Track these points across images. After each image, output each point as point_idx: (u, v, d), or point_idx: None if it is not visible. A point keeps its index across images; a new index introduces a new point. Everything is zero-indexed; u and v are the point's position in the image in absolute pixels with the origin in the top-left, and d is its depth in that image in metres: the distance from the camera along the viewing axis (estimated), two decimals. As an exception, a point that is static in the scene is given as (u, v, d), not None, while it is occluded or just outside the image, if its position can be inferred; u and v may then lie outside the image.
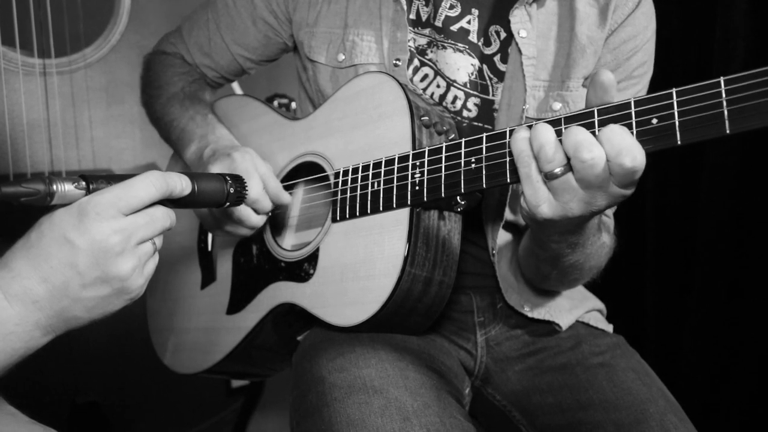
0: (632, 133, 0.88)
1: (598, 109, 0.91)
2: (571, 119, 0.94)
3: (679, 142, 0.85)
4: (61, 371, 2.08)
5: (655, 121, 0.87)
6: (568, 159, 0.90)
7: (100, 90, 2.22)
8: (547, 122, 0.94)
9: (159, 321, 1.57)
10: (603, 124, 0.90)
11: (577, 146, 0.87)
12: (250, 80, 2.18)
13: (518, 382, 1.33)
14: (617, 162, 0.86)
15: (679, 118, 0.85)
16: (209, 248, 1.47)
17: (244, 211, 1.25)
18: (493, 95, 1.30)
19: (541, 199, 0.94)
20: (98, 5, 2.21)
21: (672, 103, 0.85)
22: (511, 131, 1.01)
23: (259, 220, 1.27)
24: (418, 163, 1.11)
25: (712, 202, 1.96)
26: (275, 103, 2.28)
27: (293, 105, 2.28)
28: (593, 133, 0.89)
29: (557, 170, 0.91)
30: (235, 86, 2.23)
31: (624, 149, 0.86)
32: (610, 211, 1.36)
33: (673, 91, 0.86)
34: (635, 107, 0.88)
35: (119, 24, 2.22)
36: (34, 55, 2.11)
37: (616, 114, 0.90)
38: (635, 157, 0.86)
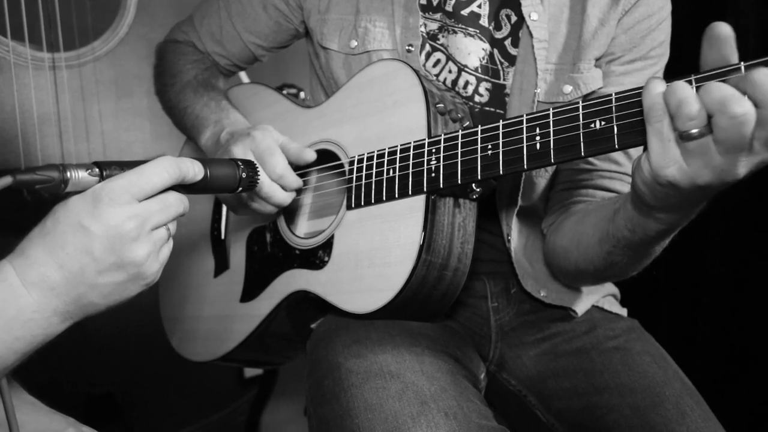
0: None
1: (616, 97, 0.91)
2: (586, 107, 0.93)
3: None
4: (76, 363, 2.09)
5: None
6: (709, 119, 0.82)
7: (109, 83, 2.22)
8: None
9: (172, 309, 1.58)
10: (620, 110, 0.89)
11: (725, 101, 0.78)
12: (257, 70, 2.18)
13: (533, 367, 1.33)
14: (724, 113, 0.78)
15: None
16: (222, 236, 1.48)
17: (270, 187, 1.23)
18: (504, 80, 1.29)
19: (670, 161, 0.86)
20: (106, -2, 2.21)
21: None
22: (529, 117, 1.00)
23: (285, 197, 1.25)
24: (434, 150, 1.11)
25: (727, 191, 1.95)
26: (284, 92, 2.27)
27: (302, 95, 2.27)
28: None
29: (695, 131, 0.82)
30: (243, 76, 2.22)
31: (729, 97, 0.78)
32: None
33: (742, 65, 0.82)
34: (696, 83, 0.84)
35: (127, 16, 2.21)
36: (43, 50, 2.11)
37: (636, 99, 0.89)
38: (742, 104, 0.78)
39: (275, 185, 1.24)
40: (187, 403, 2.24)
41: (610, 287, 1.46)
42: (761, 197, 1.91)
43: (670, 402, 1.17)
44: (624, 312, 1.42)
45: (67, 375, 2.08)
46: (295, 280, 1.28)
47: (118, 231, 0.85)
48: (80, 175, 0.88)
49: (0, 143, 2.10)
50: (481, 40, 1.30)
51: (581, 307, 1.36)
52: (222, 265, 1.46)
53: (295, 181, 1.25)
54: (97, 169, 0.89)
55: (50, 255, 0.84)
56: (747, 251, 1.95)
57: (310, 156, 1.28)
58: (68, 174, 0.87)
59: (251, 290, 1.37)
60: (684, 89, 0.82)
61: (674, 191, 0.90)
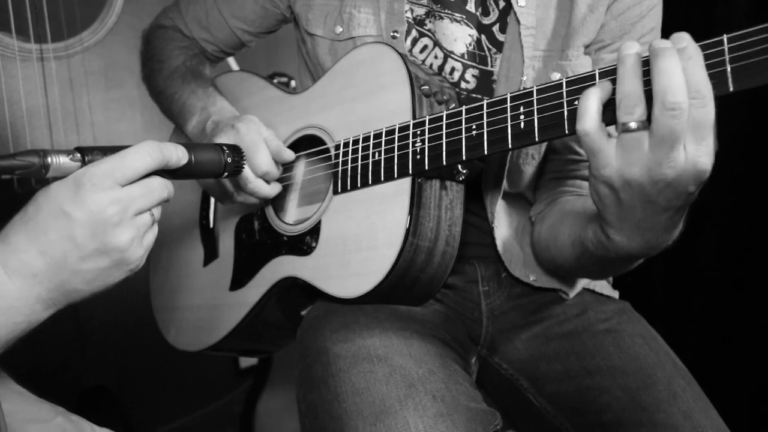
0: None
1: (600, 72, 0.90)
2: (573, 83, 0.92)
3: (731, 89, 0.81)
4: (70, 354, 2.09)
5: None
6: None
7: (98, 74, 2.21)
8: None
9: (162, 299, 1.57)
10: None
11: (666, 89, 0.79)
12: (248, 59, 2.17)
13: (525, 350, 1.32)
14: (696, 91, 0.79)
15: (730, 64, 0.80)
16: (211, 225, 1.47)
17: (255, 182, 1.23)
18: (491, 66, 1.28)
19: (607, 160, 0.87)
20: (93, -12, 2.19)
21: (723, 50, 0.81)
22: (513, 96, 1.00)
23: (271, 191, 1.26)
24: (418, 132, 1.10)
25: (722, 169, 1.94)
26: (275, 81, 2.26)
27: (292, 83, 2.26)
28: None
29: (633, 124, 0.83)
30: (232, 63, 2.21)
31: (703, 80, 0.79)
32: None
33: (724, 37, 0.81)
34: (644, 66, 0.85)
35: (115, 6, 2.20)
36: (31, 41, 2.10)
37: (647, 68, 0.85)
38: (676, 95, 0.79)
39: (260, 180, 1.24)
40: (182, 393, 2.24)
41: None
42: (760, 184, 1.91)
43: (661, 383, 1.17)
44: (615, 294, 1.42)
45: (61, 367, 2.08)
46: (283, 267, 1.27)
47: (100, 216, 0.84)
48: (61, 161, 0.87)
49: (-11, 135, 2.09)
50: (468, 25, 1.28)
51: (572, 288, 1.36)
52: (211, 253, 1.46)
53: (278, 173, 1.26)
54: (78, 155, 0.88)
55: (32, 241, 0.84)
56: (742, 232, 1.95)
57: (288, 155, 1.28)
58: (49, 159, 0.86)
59: (240, 278, 1.36)
60: (633, 78, 0.82)
61: (613, 197, 0.90)
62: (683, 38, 0.81)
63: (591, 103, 0.86)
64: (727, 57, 0.80)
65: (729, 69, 0.80)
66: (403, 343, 1.11)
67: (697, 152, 0.82)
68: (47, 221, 0.84)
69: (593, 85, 0.90)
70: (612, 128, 0.88)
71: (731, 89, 0.81)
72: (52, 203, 0.84)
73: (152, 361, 2.09)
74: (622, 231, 0.97)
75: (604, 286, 1.41)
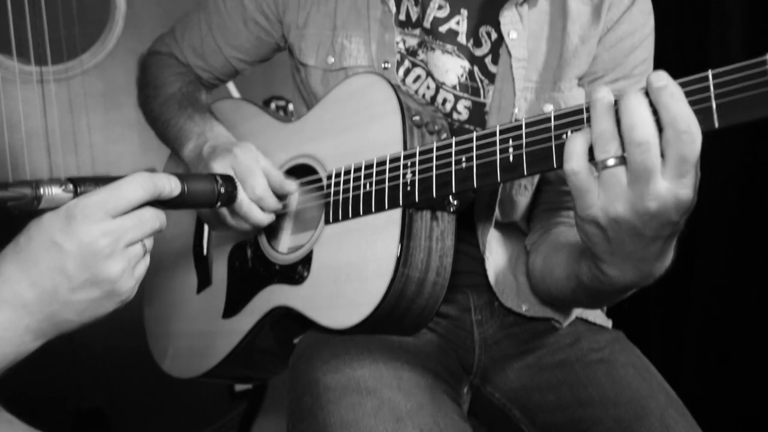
0: None
1: (586, 107, 0.90)
2: (561, 116, 0.93)
3: (716, 126, 0.81)
4: (65, 376, 2.08)
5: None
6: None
7: (97, 96, 2.22)
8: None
9: (156, 326, 1.57)
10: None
11: (632, 127, 0.81)
12: (246, 82, 2.18)
13: (517, 380, 1.32)
14: (672, 126, 0.79)
15: (716, 101, 0.80)
16: (205, 252, 1.47)
17: (248, 207, 1.23)
18: (484, 98, 1.28)
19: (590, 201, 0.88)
20: (94, 11, 2.21)
21: (708, 86, 0.81)
22: (502, 129, 1.00)
23: (264, 218, 1.25)
24: (409, 164, 1.11)
25: (715, 196, 1.94)
26: (273, 105, 2.28)
27: (290, 107, 2.28)
28: None
29: (611, 161, 0.84)
30: (231, 87, 2.23)
31: (678, 115, 0.79)
32: None
33: (672, 81, 0.82)
34: None
35: (115, 29, 2.22)
36: (31, 63, 2.12)
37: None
38: (690, 122, 0.79)
39: (254, 205, 1.24)
40: (176, 417, 2.23)
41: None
42: (752, 211, 1.91)
43: (654, 415, 1.17)
44: (609, 323, 1.41)
45: (56, 389, 2.07)
46: (275, 296, 1.27)
47: (91, 248, 0.85)
48: (54, 192, 0.87)
49: (-12, 157, 2.11)
50: (459, 57, 1.29)
51: (566, 318, 1.36)
52: (204, 280, 1.46)
53: (274, 203, 1.25)
54: (71, 186, 0.89)
55: (23, 272, 0.84)
56: (737, 263, 1.94)
57: (291, 187, 1.28)
58: (41, 191, 0.87)
59: (233, 306, 1.36)
60: (603, 120, 0.84)
61: (600, 235, 0.91)
62: (662, 77, 0.82)
63: (578, 143, 0.87)
64: (712, 93, 0.80)
65: (714, 105, 0.80)
66: (392, 374, 1.10)
67: (679, 185, 0.83)
68: (38, 252, 0.84)
69: (581, 119, 0.91)
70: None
71: (716, 126, 0.81)
72: (43, 234, 0.85)
73: (147, 385, 2.09)
74: (615, 265, 0.98)
75: (597, 316, 1.41)
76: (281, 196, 1.28)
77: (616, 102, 0.85)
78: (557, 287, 1.21)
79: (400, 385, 1.08)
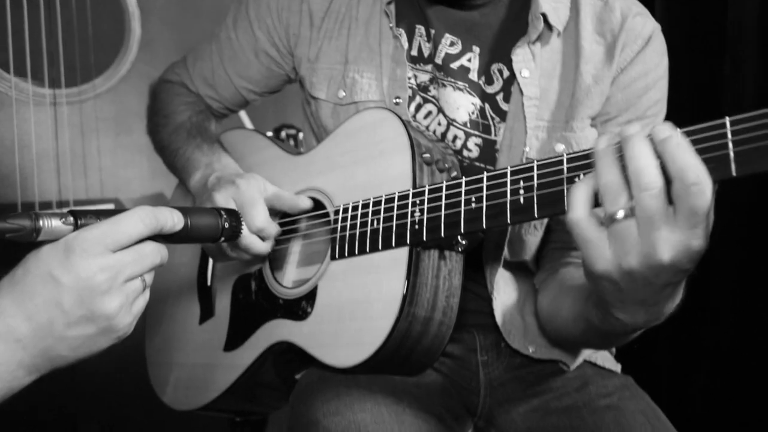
0: None
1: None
2: (575, 159, 0.91)
3: (734, 174, 0.77)
4: (65, 400, 2.06)
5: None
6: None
7: (109, 120, 2.23)
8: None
9: (157, 355, 1.55)
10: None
11: (639, 172, 0.79)
12: (257, 110, 2.19)
13: (522, 423, 1.29)
14: (680, 177, 0.76)
15: (734, 148, 0.77)
16: (208, 282, 1.45)
17: (249, 239, 1.22)
18: (495, 135, 1.27)
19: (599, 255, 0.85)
20: (109, 36, 2.23)
21: (726, 132, 0.78)
22: (513, 170, 0.98)
23: (264, 248, 1.24)
24: (417, 201, 1.09)
25: (725, 241, 1.92)
26: (283, 133, 2.27)
27: (300, 135, 2.27)
28: None
29: (620, 214, 0.82)
30: (243, 116, 2.23)
31: (685, 165, 0.76)
32: None
33: (678, 132, 0.80)
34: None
35: (129, 54, 2.23)
36: (45, 86, 2.13)
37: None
38: (699, 173, 0.76)
39: (254, 237, 1.22)
40: (174, 446, 2.20)
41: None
42: (763, 256, 1.88)
43: None
44: (618, 368, 1.38)
45: (53, 413, 2.05)
46: (278, 331, 1.25)
47: (88, 283, 0.83)
48: (53, 224, 0.86)
49: (-2, 178, 2.11)
50: (471, 94, 1.28)
51: (573, 360, 1.33)
52: (207, 312, 1.44)
53: (274, 232, 1.24)
54: (71, 218, 0.87)
55: (18, 305, 0.82)
56: (750, 307, 1.91)
57: (305, 204, 1.26)
58: (40, 223, 0.85)
59: (235, 339, 1.34)
60: (609, 170, 0.82)
61: (611, 285, 0.88)
62: (665, 128, 0.79)
63: (580, 193, 0.85)
64: (729, 140, 0.77)
65: (732, 153, 0.77)
66: (394, 419, 1.08)
67: (691, 235, 0.80)
68: (35, 285, 0.82)
69: (593, 162, 0.88)
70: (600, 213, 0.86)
71: (734, 174, 0.78)
72: (41, 267, 0.83)
73: (145, 412, 2.06)
74: (626, 310, 0.95)
75: (606, 359, 1.38)
76: (290, 221, 1.27)
77: (620, 149, 0.83)
78: (565, 328, 1.19)
79: (402, 431, 1.05)
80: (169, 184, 1.95)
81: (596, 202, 0.85)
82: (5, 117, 2.10)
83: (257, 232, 1.22)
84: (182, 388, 1.45)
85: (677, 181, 0.77)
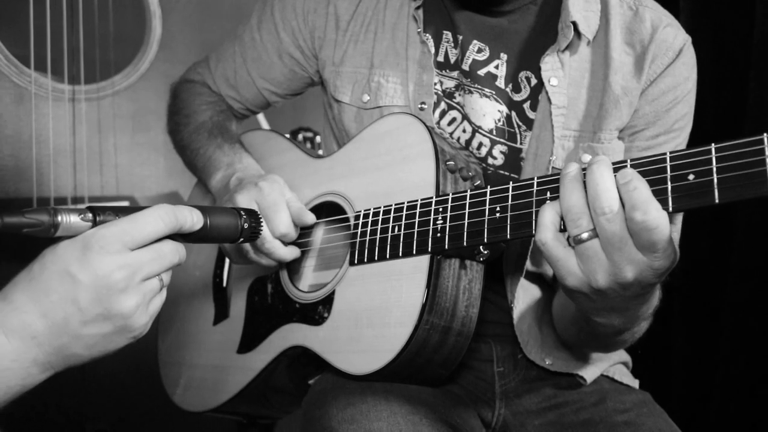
0: (667, 188, 0.83)
1: (631, 164, 0.87)
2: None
3: (716, 201, 0.80)
4: (73, 398, 2.06)
5: (691, 177, 0.82)
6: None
7: (126, 117, 2.23)
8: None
9: (169, 355, 1.54)
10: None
11: (596, 196, 0.84)
12: (275, 113, 2.17)
13: (538, 437, 1.27)
14: (630, 216, 0.83)
15: (717, 175, 0.80)
16: (224, 284, 1.44)
17: (272, 243, 1.21)
18: (521, 143, 1.25)
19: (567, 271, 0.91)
20: (129, 34, 2.23)
21: (711, 158, 0.81)
22: (540, 181, 0.96)
23: (287, 253, 1.24)
24: (440, 209, 1.07)
25: (744, 257, 1.89)
26: (300, 136, 2.27)
27: (318, 139, 2.26)
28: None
29: (585, 234, 0.87)
30: (261, 118, 2.22)
31: (638, 202, 0.82)
32: None
33: (712, 146, 0.81)
34: (671, 161, 0.84)
35: (149, 53, 2.23)
36: (64, 81, 2.13)
37: (650, 167, 0.86)
38: (647, 211, 0.82)
39: (277, 242, 1.22)
40: (182, 446, 2.19)
41: (621, 354, 1.40)
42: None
43: None
44: (636, 383, 1.36)
45: (62, 409, 2.05)
46: (293, 335, 1.24)
47: (106, 281, 0.82)
48: (72, 220, 0.85)
49: (14, 172, 2.11)
50: (497, 101, 1.26)
51: (589, 374, 1.31)
52: (222, 313, 1.42)
53: (295, 236, 1.24)
54: (90, 215, 0.86)
55: (34, 302, 0.81)
56: (764, 320, 1.88)
57: (310, 219, 1.25)
58: (59, 218, 0.84)
59: (249, 342, 1.33)
60: (571, 194, 0.87)
61: (584, 297, 0.93)
62: (627, 174, 0.85)
63: (547, 215, 0.90)
64: (714, 166, 0.80)
65: (715, 179, 0.80)
66: (411, 429, 1.05)
67: (653, 258, 0.85)
68: (51, 282, 0.81)
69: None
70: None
71: (717, 201, 0.80)
72: (57, 263, 0.82)
73: (154, 411, 2.05)
74: (600, 316, 1.01)
75: (624, 374, 1.36)
76: (302, 229, 1.26)
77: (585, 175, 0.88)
78: (567, 330, 1.23)
79: None
80: (185, 183, 1.95)
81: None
82: (24, 112, 2.10)
83: (280, 238, 1.21)
84: (194, 389, 1.44)
85: (630, 221, 0.83)
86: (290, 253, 1.25)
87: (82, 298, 0.81)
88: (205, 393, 1.40)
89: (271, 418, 2.09)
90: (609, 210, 0.83)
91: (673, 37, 1.23)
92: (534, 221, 0.96)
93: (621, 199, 0.84)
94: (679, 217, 1.30)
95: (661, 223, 0.82)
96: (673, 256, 0.86)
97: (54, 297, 0.81)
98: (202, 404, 1.40)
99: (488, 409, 1.30)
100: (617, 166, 0.88)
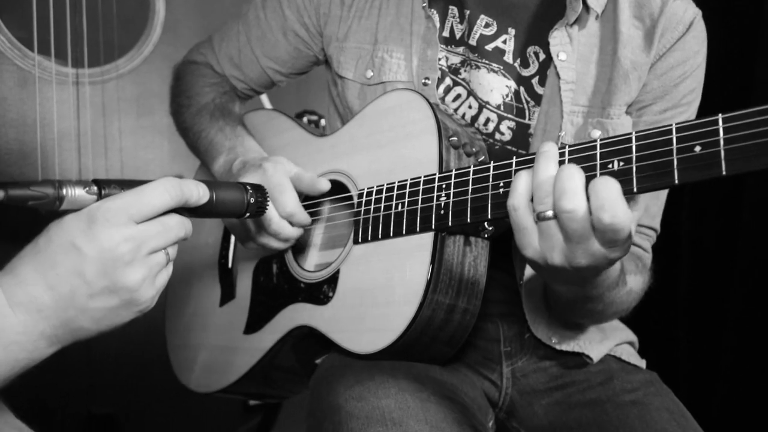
0: (673, 161, 0.82)
1: (636, 135, 0.86)
2: (605, 145, 0.88)
3: (724, 173, 0.78)
4: (79, 381, 2.06)
5: (698, 148, 0.80)
6: None
7: (130, 101, 2.22)
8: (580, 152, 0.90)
9: (177, 337, 1.54)
10: (641, 150, 0.85)
11: (561, 193, 0.83)
12: (279, 96, 2.17)
13: (545, 416, 1.26)
14: (597, 216, 0.81)
15: (725, 146, 0.77)
16: (230, 265, 1.44)
17: (279, 224, 1.21)
18: (529, 119, 1.24)
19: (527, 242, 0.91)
20: (133, 16, 2.22)
21: (718, 129, 0.78)
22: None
23: (294, 233, 1.24)
24: (444, 186, 1.06)
25: (753, 233, 1.88)
26: (304, 119, 2.26)
27: (323, 122, 2.26)
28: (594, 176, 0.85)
29: (549, 212, 0.86)
30: (264, 100, 2.21)
31: (606, 203, 0.81)
32: (648, 245, 1.30)
33: (720, 117, 0.79)
34: (677, 133, 0.82)
35: (153, 36, 2.22)
36: (68, 65, 2.12)
37: (655, 139, 0.84)
38: (615, 214, 0.81)
39: (284, 222, 1.22)
40: (188, 427, 2.20)
41: (627, 334, 1.40)
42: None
43: None
44: (642, 363, 1.35)
45: (69, 393, 2.05)
46: (299, 315, 1.23)
47: (112, 254, 0.81)
48: (77, 193, 0.84)
49: (19, 156, 2.11)
50: (505, 76, 1.25)
51: (596, 353, 1.30)
52: (228, 294, 1.42)
53: (305, 218, 1.23)
54: (95, 188, 0.86)
55: (40, 275, 0.81)
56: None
57: (324, 186, 1.25)
58: (64, 191, 0.83)
59: (255, 322, 1.33)
60: (544, 172, 0.86)
61: (539, 268, 0.93)
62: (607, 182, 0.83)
63: (522, 182, 0.88)
64: (721, 137, 0.78)
65: (723, 150, 0.78)
66: (419, 406, 1.05)
67: (611, 251, 0.86)
68: (57, 255, 0.81)
69: (629, 147, 0.87)
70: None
71: (724, 173, 0.78)
72: (63, 236, 0.82)
73: (160, 393, 2.06)
74: (557, 284, 1.05)
75: (631, 354, 1.35)
76: (313, 204, 1.26)
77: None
78: (551, 297, 1.23)
79: (427, 418, 1.03)
80: (189, 167, 1.94)
81: None
82: (28, 95, 2.09)
83: (287, 217, 1.21)
84: (201, 370, 1.44)
85: (597, 221, 0.82)
86: (297, 231, 1.24)
87: (88, 271, 0.81)
88: (213, 374, 1.40)
89: (279, 398, 2.10)
90: (572, 209, 0.82)
91: (683, 11, 1.22)
92: None
93: (588, 197, 0.82)
94: (664, 193, 1.29)
95: (627, 223, 0.82)
96: (629, 246, 0.88)
97: (60, 270, 0.80)
98: (210, 385, 1.40)
99: (495, 389, 1.30)
100: (622, 142, 0.87)
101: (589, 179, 0.84)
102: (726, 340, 1.96)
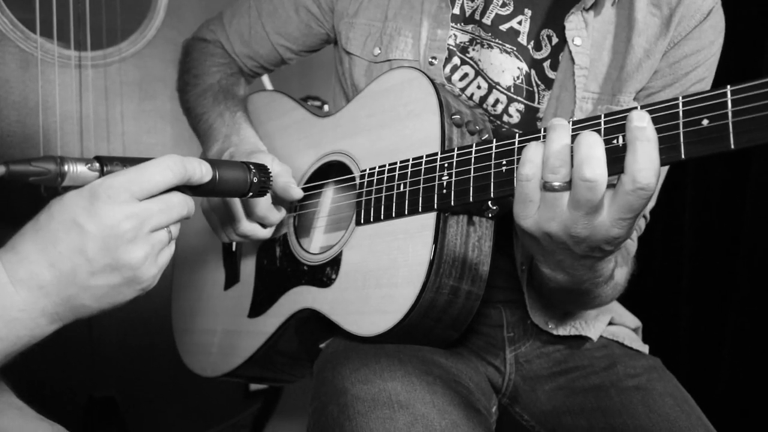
0: (679, 134, 0.79)
1: (641, 107, 0.83)
2: (609, 120, 0.86)
3: (732, 146, 0.75)
4: (80, 364, 2.07)
5: (705, 122, 0.77)
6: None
7: (133, 84, 2.21)
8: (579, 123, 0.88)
9: (183, 321, 1.53)
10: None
11: (583, 161, 0.80)
12: (282, 81, 2.16)
13: (548, 401, 1.26)
14: (624, 180, 0.80)
15: (733, 118, 0.75)
16: (234, 248, 1.43)
17: (248, 225, 1.23)
18: (538, 103, 1.23)
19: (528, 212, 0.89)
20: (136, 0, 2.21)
21: (726, 102, 0.76)
22: (545, 134, 0.94)
23: (264, 233, 1.25)
24: (446, 165, 1.05)
25: (756, 220, 1.87)
26: (308, 104, 2.24)
27: (326, 108, 2.25)
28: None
29: (557, 184, 0.84)
30: (266, 81, 2.20)
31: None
32: (635, 234, 1.29)
33: (728, 89, 0.76)
34: (684, 106, 0.79)
35: (156, 19, 2.21)
36: (71, 48, 2.11)
37: (662, 113, 0.81)
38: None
39: (255, 224, 1.24)
40: (189, 412, 2.20)
41: (633, 320, 1.39)
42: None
43: None
44: (645, 349, 1.35)
45: (71, 376, 2.06)
46: (302, 297, 1.23)
47: (113, 231, 0.80)
48: (79, 170, 0.84)
49: (21, 138, 2.10)
50: (518, 58, 1.23)
51: (594, 331, 1.30)
52: (232, 277, 1.42)
53: (275, 219, 1.25)
54: (97, 164, 0.85)
55: (41, 252, 0.80)
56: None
57: (296, 194, 1.24)
58: (66, 167, 0.83)
59: (259, 306, 1.32)
60: (559, 140, 0.84)
61: (533, 241, 0.91)
62: (643, 117, 0.79)
63: (534, 151, 0.86)
64: (729, 110, 0.75)
65: (731, 123, 0.75)
66: (426, 389, 1.04)
67: (615, 225, 0.84)
68: (58, 232, 0.80)
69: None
70: None
71: (732, 146, 0.76)
72: (65, 213, 0.81)
73: (161, 377, 2.06)
74: (547, 265, 1.01)
75: (633, 340, 1.35)
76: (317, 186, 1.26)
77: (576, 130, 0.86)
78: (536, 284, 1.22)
79: (434, 401, 1.02)
80: (192, 152, 1.93)
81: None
82: (30, 78, 2.08)
83: (258, 220, 1.23)
84: (206, 353, 1.43)
85: (628, 179, 0.79)
86: (268, 233, 1.26)
87: (90, 248, 0.80)
88: (218, 358, 1.39)
89: (283, 383, 2.10)
90: (593, 179, 0.80)
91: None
92: None
93: (624, 150, 0.80)
94: (663, 171, 1.27)
95: (654, 192, 0.80)
96: (630, 228, 0.86)
97: (61, 247, 0.80)
98: (214, 369, 1.40)
99: (498, 374, 1.30)
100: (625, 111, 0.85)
101: None
102: (728, 326, 1.96)
